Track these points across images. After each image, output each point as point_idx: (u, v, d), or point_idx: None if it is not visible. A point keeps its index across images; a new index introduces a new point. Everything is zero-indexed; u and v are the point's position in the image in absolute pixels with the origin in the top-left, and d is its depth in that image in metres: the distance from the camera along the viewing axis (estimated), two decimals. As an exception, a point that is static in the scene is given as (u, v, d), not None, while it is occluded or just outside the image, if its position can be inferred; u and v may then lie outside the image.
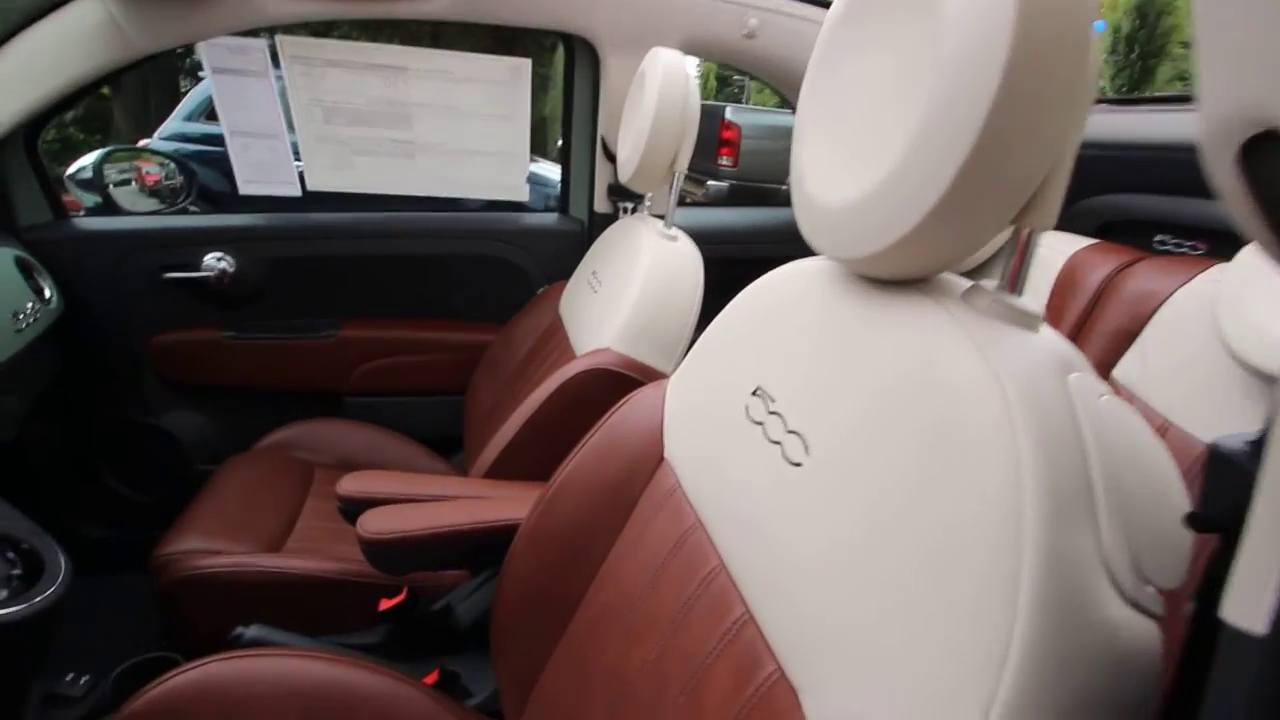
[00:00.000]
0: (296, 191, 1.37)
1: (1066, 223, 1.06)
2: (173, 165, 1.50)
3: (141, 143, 3.77)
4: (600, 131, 1.40)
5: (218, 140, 1.35)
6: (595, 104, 1.40)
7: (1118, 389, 0.82)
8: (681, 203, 1.10)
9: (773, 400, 0.50)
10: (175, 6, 1.10)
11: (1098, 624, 0.31)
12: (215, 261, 1.33)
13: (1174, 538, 0.33)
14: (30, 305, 1.07)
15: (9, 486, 0.83)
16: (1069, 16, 0.33)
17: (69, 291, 1.21)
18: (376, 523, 0.78)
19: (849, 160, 0.44)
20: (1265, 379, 0.66)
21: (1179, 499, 0.35)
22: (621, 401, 0.69)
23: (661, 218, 1.09)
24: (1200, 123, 0.22)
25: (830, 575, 0.40)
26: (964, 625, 0.32)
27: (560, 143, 1.55)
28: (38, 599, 0.69)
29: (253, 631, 0.84)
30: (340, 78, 1.30)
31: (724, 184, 5.42)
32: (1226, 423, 0.69)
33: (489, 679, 0.82)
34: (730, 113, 5.48)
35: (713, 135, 5.27)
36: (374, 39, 1.31)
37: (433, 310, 1.50)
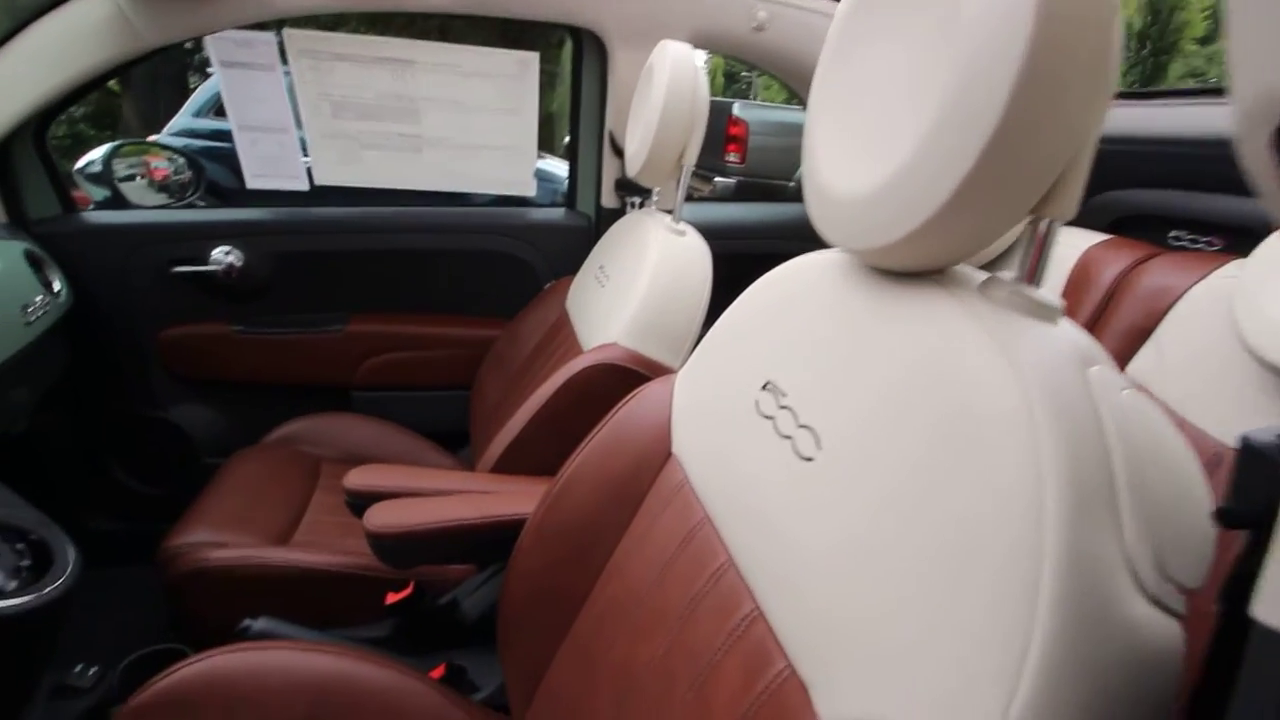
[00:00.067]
0: (304, 186, 1.37)
1: (1079, 218, 1.05)
2: (181, 160, 1.51)
3: (150, 139, 3.79)
4: (608, 126, 1.39)
5: (226, 136, 1.35)
6: (603, 98, 1.39)
7: None
8: (688, 199, 1.09)
9: (784, 394, 0.50)
10: (184, -1, 1.10)
11: (1120, 622, 0.30)
12: (223, 255, 1.33)
13: (1197, 534, 0.33)
14: (40, 298, 1.08)
15: (19, 479, 0.83)
16: None
17: (78, 285, 1.22)
18: (383, 517, 0.78)
19: (863, 150, 0.43)
20: None
21: (1202, 495, 0.34)
22: (629, 396, 0.69)
23: (669, 213, 1.09)
24: (1234, 108, 0.21)
25: (842, 570, 0.39)
26: (980, 620, 0.31)
27: (567, 139, 1.55)
28: (47, 590, 0.69)
29: (260, 624, 0.84)
30: (348, 72, 1.29)
31: (731, 181, 5.40)
32: (1243, 420, 0.68)
33: (495, 673, 0.82)
34: (738, 108, 5.46)
35: (720, 131, 5.25)
36: (382, 35, 1.31)
37: (439, 305, 1.50)
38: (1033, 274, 0.39)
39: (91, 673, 0.91)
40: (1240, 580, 0.25)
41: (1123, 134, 1.09)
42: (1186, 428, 0.73)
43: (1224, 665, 0.25)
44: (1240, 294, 0.72)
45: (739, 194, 5.24)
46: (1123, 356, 0.85)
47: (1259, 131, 0.20)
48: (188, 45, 1.21)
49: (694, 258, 1.00)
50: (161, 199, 1.46)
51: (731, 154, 5.41)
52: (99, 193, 1.47)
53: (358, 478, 0.88)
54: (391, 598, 0.93)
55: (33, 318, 1.04)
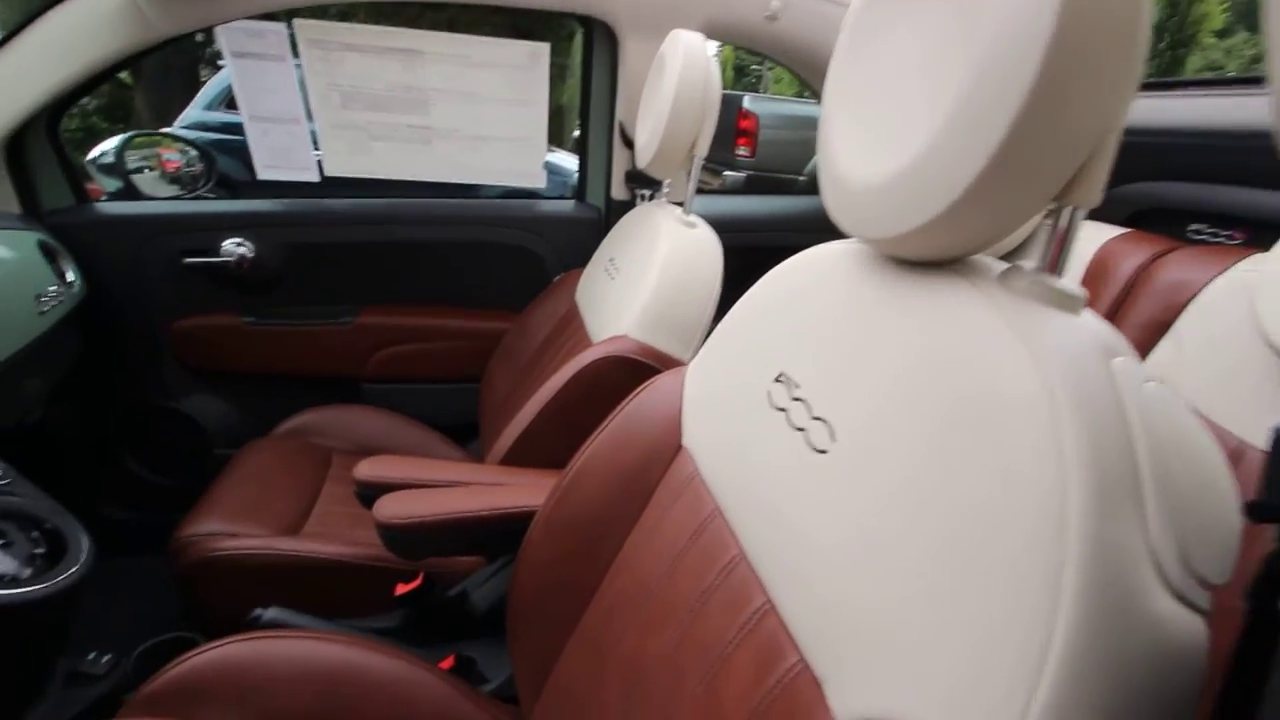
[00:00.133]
0: (314, 177, 1.37)
1: (1095, 211, 1.03)
2: (193, 152, 1.51)
3: (162, 131, 3.81)
4: (618, 117, 1.38)
5: (237, 129, 1.35)
6: (613, 88, 1.38)
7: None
8: (698, 193, 1.09)
9: (797, 386, 0.49)
10: (195, -11, 1.11)
11: (1144, 616, 0.29)
12: (234, 247, 1.34)
13: (1223, 528, 0.32)
14: (53, 288, 1.08)
15: (34, 468, 0.84)
16: None
17: (90, 275, 1.23)
18: (393, 508, 0.78)
19: (881, 138, 0.42)
20: None
21: (1228, 488, 0.33)
22: (639, 389, 0.68)
23: (680, 205, 1.08)
24: (1273, 98, 0.20)
25: (856, 562, 0.39)
26: (998, 610, 0.31)
27: (577, 131, 1.54)
28: (61, 578, 0.70)
29: (270, 613, 0.84)
30: (358, 62, 1.29)
31: (741, 174, 5.37)
32: (1264, 416, 0.67)
33: (504, 665, 0.82)
34: (748, 101, 5.43)
35: (730, 125, 5.22)
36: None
37: (449, 297, 1.50)
38: (1054, 263, 0.39)
39: (105, 660, 0.92)
40: (1270, 577, 0.25)
41: (1141, 125, 1.07)
42: (1205, 422, 0.72)
43: (1253, 664, 0.25)
44: (1262, 288, 0.71)
45: (749, 188, 5.21)
46: (1140, 351, 0.84)
47: None
48: (198, 38, 1.21)
49: (704, 250, 0.99)
50: (173, 190, 1.47)
51: (742, 148, 5.37)
52: (111, 184, 1.48)
53: (367, 469, 0.88)
54: (401, 589, 0.93)
55: (46, 308, 1.05)
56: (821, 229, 0.49)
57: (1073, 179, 0.35)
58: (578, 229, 1.47)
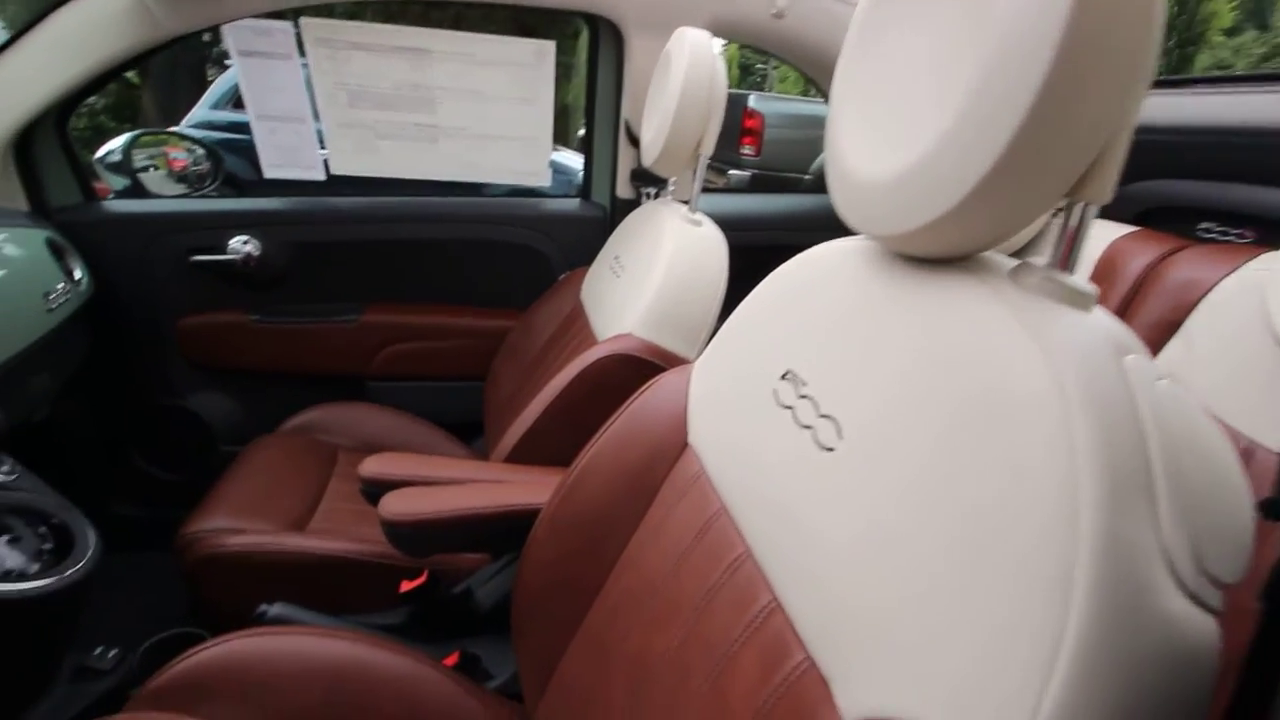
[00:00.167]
0: (321, 175, 1.37)
1: (1104, 209, 1.02)
2: (200, 151, 1.51)
3: (169, 129, 3.82)
4: (624, 115, 1.38)
5: (244, 129, 1.35)
6: (619, 87, 1.38)
7: None
8: (703, 192, 1.08)
9: (804, 384, 0.49)
10: (202, -13, 1.11)
11: (1156, 615, 0.29)
12: (241, 245, 1.34)
13: (1235, 527, 0.32)
14: (61, 286, 1.09)
15: (42, 464, 0.84)
16: None
17: (98, 273, 1.23)
18: (398, 505, 0.78)
19: (890, 134, 0.42)
20: None
21: (1240, 486, 0.33)
22: (644, 387, 0.68)
23: (685, 203, 1.08)
24: None
25: (864, 559, 0.39)
26: (1008, 606, 0.30)
27: (582, 130, 1.54)
28: (68, 572, 0.70)
29: (276, 609, 0.85)
30: (364, 61, 1.29)
31: (746, 173, 5.36)
32: (1275, 416, 0.66)
33: (509, 662, 0.82)
34: (754, 101, 5.42)
35: (735, 124, 5.21)
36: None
37: (454, 295, 1.50)
38: (1066, 259, 0.38)
39: (111, 655, 0.93)
40: (1286, 577, 0.24)
41: (1150, 123, 1.07)
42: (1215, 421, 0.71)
43: (1267, 665, 0.24)
44: (1273, 286, 0.70)
45: (754, 187, 5.21)
46: (1149, 350, 0.83)
47: None
48: (205, 36, 1.21)
49: (710, 248, 0.99)
50: (180, 189, 1.47)
51: (747, 147, 5.37)
52: (119, 182, 1.48)
53: (373, 466, 0.88)
54: (406, 585, 0.93)
55: (54, 305, 1.06)
56: (827, 227, 0.49)
57: (1084, 175, 0.35)
58: (583, 227, 1.47)
